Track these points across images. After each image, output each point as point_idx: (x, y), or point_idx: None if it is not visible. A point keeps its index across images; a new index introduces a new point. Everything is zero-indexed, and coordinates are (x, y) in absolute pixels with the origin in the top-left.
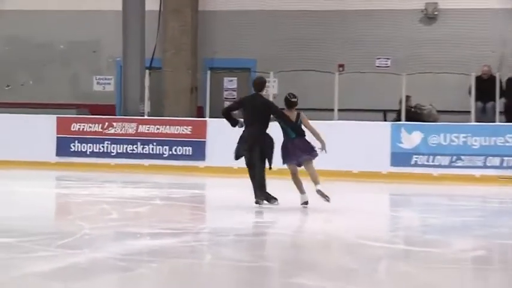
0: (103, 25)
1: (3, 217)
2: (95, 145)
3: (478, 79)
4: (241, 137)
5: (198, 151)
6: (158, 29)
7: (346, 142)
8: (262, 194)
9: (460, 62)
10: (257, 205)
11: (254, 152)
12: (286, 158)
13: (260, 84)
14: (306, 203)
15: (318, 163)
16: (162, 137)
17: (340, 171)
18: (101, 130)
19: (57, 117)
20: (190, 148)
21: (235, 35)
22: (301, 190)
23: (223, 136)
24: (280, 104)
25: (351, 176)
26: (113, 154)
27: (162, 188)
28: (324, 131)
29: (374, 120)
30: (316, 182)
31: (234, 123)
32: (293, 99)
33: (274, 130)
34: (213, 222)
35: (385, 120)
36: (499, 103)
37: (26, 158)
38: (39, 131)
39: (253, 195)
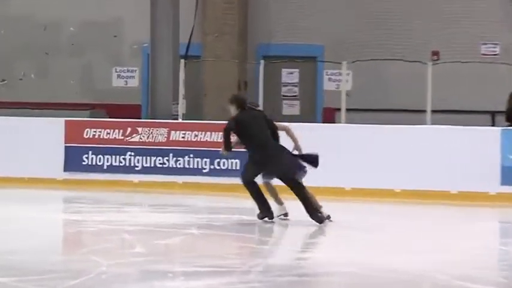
0: (126, 1)
1: (4, 249)
2: (114, 157)
3: None
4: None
5: None
6: (196, 6)
7: (442, 154)
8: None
9: None
10: (320, 224)
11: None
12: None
13: (244, 100)
14: (286, 214)
15: (399, 183)
16: (201, 147)
17: (434, 191)
18: (122, 138)
19: (65, 120)
20: (237, 161)
21: (296, 14)
22: (279, 201)
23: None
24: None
25: (448, 198)
26: (137, 169)
27: (200, 213)
28: (412, 138)
29: (479, 124)
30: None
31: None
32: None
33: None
34: (267, 258)
35: (494, 125)
36: None
37: (25, 174)
38: (43, 138)
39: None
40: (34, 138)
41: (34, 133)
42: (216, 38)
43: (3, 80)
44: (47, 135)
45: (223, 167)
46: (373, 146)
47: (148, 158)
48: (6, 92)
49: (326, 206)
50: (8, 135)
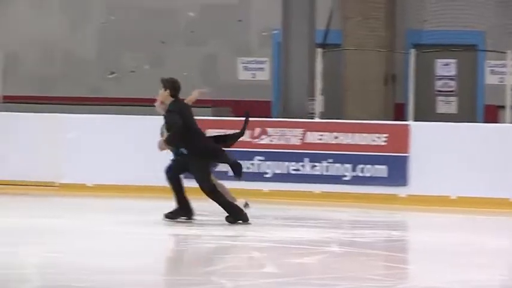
0: None
1: (111, 269)
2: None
3: None
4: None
5: (397, 172)
6: None
7: None
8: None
9: None
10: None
11: None
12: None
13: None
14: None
15: None
16: (341, 151)
17: None
18: (250, 140)
19: None
20: (385, 167)
21: None
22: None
23: (435, 148)
24: None
25: None
26: (267, 176)
27: (341, 228)
28: None
29: None
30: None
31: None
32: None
33: None
34: (421, 281)
35: None
36: None
37: (133, 181)
38: (156, 137)
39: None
40: (145, 137)
41: (145, 132)
42: (358, 23)
43: (113, 73)
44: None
45: (367, 174)
46: None
47: (280, 163)
48: (115, 86)
49: None
50: (116, 134)
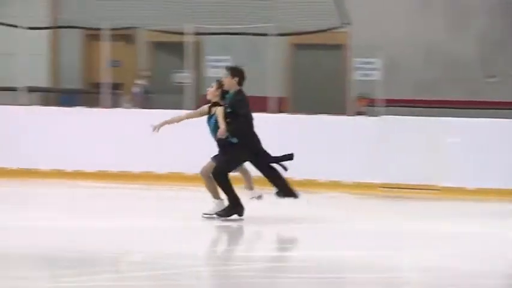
0: None
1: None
2: None
3: None
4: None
5: None
6: None
7: None
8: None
9: None
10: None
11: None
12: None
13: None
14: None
15: None
16: None
17: None
18: None
19: None
20: None
21: None
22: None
23: None
24: None
25: None
26: None
27: None
28: None
29: None
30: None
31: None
32: None
33: None
34: None
35: None
36: None
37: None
38: None
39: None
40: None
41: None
42: None
43: (493, 76)
44: None
45: None
46: None
47: None
48: (493, 89)
49: None
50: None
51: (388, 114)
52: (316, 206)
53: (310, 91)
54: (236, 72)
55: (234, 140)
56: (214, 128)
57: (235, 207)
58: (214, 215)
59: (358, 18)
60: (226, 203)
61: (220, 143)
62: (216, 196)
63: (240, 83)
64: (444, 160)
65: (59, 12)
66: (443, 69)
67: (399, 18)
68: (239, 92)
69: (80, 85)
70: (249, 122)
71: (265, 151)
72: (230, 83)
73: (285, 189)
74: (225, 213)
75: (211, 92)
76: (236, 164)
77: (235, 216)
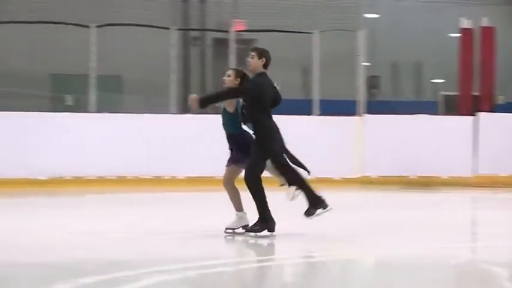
0: None
1: None
2: None
3: None
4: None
5: None
6: None
7: None
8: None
9: None
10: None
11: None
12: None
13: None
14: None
15: None
16: None
17: None
18: None
19: None
20: None
21: None
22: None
23: None
24: None
25: None
26: None
27: None
28: None
29: None
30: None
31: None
32: None
33: None
34: None
35: None
36: None
37: None
38: None
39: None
40: None
41: None
42: None
43: None
44: None
45: None
46: None
47: None
48: None
49: None
50: None
51: None
52: None
53: None
54: (264, 53)
55: (247, 133)
56: (227, 121)
57: (267, 221)
58: (239, 230)
59: None
60: (248, 217)
61: (232, 138)
62: (239, 208)
63: (265, 66)
64: None
65: None
66: None
67: None
68: (260, 75)
69: None
70: (264, 110)
71: (288, 151)
72: (256, 64)
73: (310, 197)
74: (258, 229)
75: (230, 81)
76: (262, 163)
77: (265, 232)
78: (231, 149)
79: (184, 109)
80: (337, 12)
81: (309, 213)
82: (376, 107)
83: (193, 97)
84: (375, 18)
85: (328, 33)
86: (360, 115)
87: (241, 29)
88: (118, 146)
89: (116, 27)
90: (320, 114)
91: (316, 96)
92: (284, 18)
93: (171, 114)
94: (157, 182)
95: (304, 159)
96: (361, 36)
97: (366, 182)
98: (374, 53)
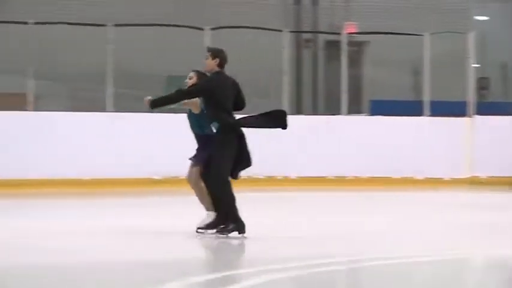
0: None
1: None
2: None
3: None
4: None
5: None
6: None
7: None
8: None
9: None
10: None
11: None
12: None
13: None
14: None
15: None
16: None
17: None
18: None
19: None
20: None
21: None
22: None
23: None
24: None
25: None
26: None
27: None
28: None
29: None
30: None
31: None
32: None
33: None
34: None
35: None
36: None
37: None
38: None
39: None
40: None
41: None
42: None
43: None
44: None
45: None
46: None
47: None
48: None
49: None
50: None
51: None
52: None
53: None
54: (217, 54)
55: (213, 129)
56: (194, 122)
57: (235, 223)
58: (209, 231)
59: None
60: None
61: (200, 139)
62: (210, 207)
63: (220, 65)
64: None
65: None
66: None
67: None
68: (216, 73)
69: None
70: (223, 109)
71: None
72: (210, 65)
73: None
74: (227, 230)
75: (193, 83)
76: (228, 162)
77: (235, 234)
78: (197, 149)
79: (298, 110)
80: (448, 14)
81: (223, 230)
82: (486, 108)
83: (147, 99)
84: (484, 20)
85: (439, 35)
86: (469, 116)
87: (352, 31)
88: None
89: (228, 29)
90: (430, 115)
91: (426, 98)
92: (395, 20)
93: None
94: (270, 181)
95: (413, 159)
96: (471, 38)
97: (475, 183)
98: (484, 54)
